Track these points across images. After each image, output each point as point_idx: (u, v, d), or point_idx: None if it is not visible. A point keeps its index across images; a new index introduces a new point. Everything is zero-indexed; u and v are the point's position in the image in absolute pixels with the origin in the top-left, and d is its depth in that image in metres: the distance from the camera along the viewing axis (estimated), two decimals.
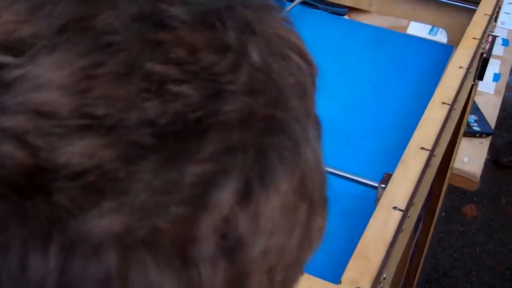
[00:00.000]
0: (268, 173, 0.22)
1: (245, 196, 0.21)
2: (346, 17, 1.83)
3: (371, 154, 0.89)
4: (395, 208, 0.67)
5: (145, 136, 0.19)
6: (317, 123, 0.28)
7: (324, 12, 1.41)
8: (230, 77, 0.21)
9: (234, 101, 0.21)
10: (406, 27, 1.82)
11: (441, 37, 1.65)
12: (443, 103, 0.85)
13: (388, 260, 0.62)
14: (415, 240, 1.63)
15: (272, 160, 0.22)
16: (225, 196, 0.20)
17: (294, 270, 0.25)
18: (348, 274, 0.60)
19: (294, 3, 1.19)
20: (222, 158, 0.20)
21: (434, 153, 0.77)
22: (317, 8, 1.73)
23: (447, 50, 1.16)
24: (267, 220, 0.21)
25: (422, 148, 0.76)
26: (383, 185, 0.71)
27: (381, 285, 0.62)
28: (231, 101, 0.21)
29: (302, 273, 0.28)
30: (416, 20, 1.34)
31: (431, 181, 0.85)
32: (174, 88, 0.20)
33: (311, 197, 0.25)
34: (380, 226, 0.65)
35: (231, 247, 0.20)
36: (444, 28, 1.26)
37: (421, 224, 1.60)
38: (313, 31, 1.19)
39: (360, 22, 1.35)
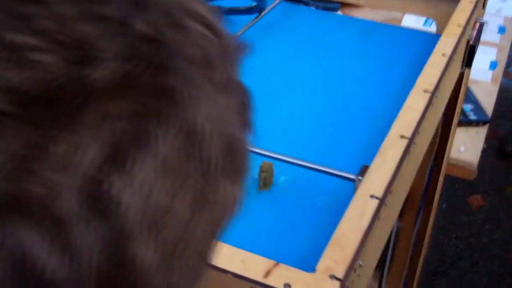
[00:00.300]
0: (144, 136, 0.22)
1: (116, 158, 0.22)
2: (339, 12, 1.83)
3: (359, 148, 0.89)
4: (372, 196, 0.68)
5: (4, 103, 0.20)
6: (237, 93, 0.30)
7: (311, 7, 1.42)
8: (102, 45, 0.22)
9: (104, 67, 0.22)
10: (400, 20, 1.83)
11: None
12: (425, 91, 0.85)
13: (363, 247, 0.62)
14: (415, 231, 1.63)
15: (150, 124, 0.23)
16: (89, 159, 0.21)
17: (195, 235, 0.26)
18: (323, 262, 0.61)
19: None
20: (91, 122, 0.21)
21: (414, 141, 0.77)
22: (307, 4, 1.74)
23: (436, 39, 1.16)
24: (142, 181, 0.22)
25: (401, 137, 0.77)
26: (360, 177, 0.72)
27: (358, 272, 0.63)
28: (101, 67, 0.22)
29: (214, 242, 0.29)
30: (405, 12, 1.34)
31: (414, 170, 0.85)
32: (36, 56, 0.21)
33: (207, 162, 0.25)
34: (357, 215, 0.66)
35: (102, 206, 0.21)
36: (433, 17, 1.26)
37: (420, 214, 1.60)
38: (301, 27, 1.20)
39: (349, 16, 1.35)
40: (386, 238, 0.79)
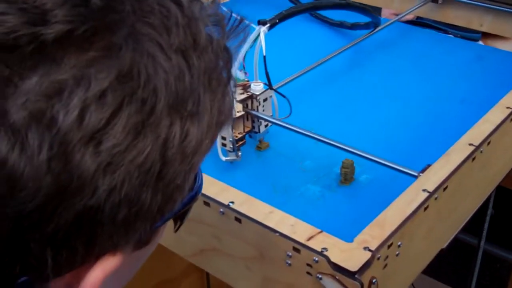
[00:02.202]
0: (80, 75, 0.32)
1: (59, 90, 0.31)
2: (480, 42, 1.84)
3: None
4: (424, 190, 0.75)
5: None
6: (195, 54, 0.37)
7: (432, 30, 1.47)
8: (54, 12, 0.32)
9: (52, 27, 0.31)
10: None
11: None
12: (507, 107, 0.89)
13: (401, 229, 0.69)
14: None
15: (88, 68, 0.32)
16: (38, 88, 0.31)
17: (132, 154, 0.33)
18: (361, 236, 0.69)
19: (391, 20, 1.27)
20: (42, 64, 0.31)
21: (481, 149, 0.82)
22: (446, 32, 1.78)
23: None
24: (75, 107, 0.31)
25: (469, 144, 0.82)
26: (421, 174, 0.79)
27: (395, 251, 0.70)
28: (50, 27, 0.31)
29: (168, 170, 0.36)
30: None
31: (487, 180, 0.90)
32: (3, 18, 0.31)
33: (143, 101, 0.33)
34: (404, 203, 0.73)
35: (46, 121, 0.31)
36: None
37: None
38: (413, 46, 1.27)
39: (466, 40, 1.39)
40: (446, 238, 0.84)
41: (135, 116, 0.33)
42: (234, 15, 0.44)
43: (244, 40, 0.44)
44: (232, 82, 0.42)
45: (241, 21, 0.44)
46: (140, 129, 0.33)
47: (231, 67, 0.41)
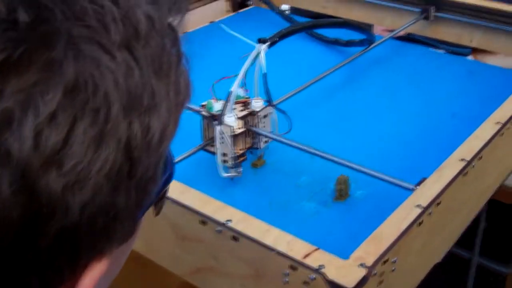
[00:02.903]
0: (27, 101, 0.30)
1: (7, 119, 0.30)
2: (470, 57, 1.87)
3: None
4: (418, 206, 0.76)
5: None
6: (138, 48, 0.35)
7: (424, 46, 1.49)
8: None
9: None
10: None
11: None
12: (496, 123, 0.91)
13: (396, 245, 0.70)
14: None
15: (33, 91, 0.31)
16: None
17: (96, 166, 0.33)
18: (357, 253, 0.70)
19: (385, 37, 1.29)
20: None
21: (473, 164, 0.84)
22: (436, 47, 1.80)
23: None
24: (29, 133, 0.30)
25: (461, 160, 0.83)
26: (417, 187, 0.80)
27: (391, 267, 0.71)
28: None
29: (135, 174, 0.35)
30: None
31: (479, 194, 0.91)
32: None
33: (95, 110, 0.32)
34: (399, 219, 0.74)
35: (1, 154, 0.30)
36: None
37: None
38: (407, 62, 1.29)
39: (459, 56, 1.41)
40: (440, 252, 0.85)
41: (91, 129, 0.32)
42: None
43: (186, 10, 0.42)
44: (183, 58, 0.40)
45: None
46: (100, 140, 0.33)
47: (179, 43, 0.40)
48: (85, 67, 0.32)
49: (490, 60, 1.80)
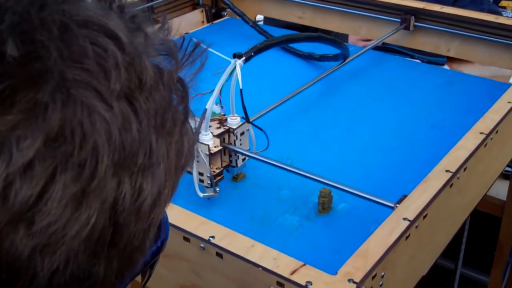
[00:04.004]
0: (4, 144, 0.27)
1: None
2: (445, 66, 1.88)
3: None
4: (404, 219, 0.74)
5: None
6: (138, 98, 0.32)
7: (401, 57, 1.49)
8: None
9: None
10: (508, 77, 1.84)
11: None
12: (480, 133, 0.90)
13: (384, 260, 0.69)
14: (503, 286, 1.61)
15: (7, 137, 0.27)
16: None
17: (75, 228, 0.29)
18: (345, 268, 0.68)
19: (366, 48, 1.29)
20: None
21: (458, 176, 0.83)
22: (412, 57, 1.80)
23: None
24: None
25: (446, 171, 0.82)
26: (398, 205, 0.78)
27: (379, 281, 0.69)
28: None
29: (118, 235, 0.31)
30: (494, 65, 1.37)
31: (463, 206, 0.90)
32: None
33: (80, 165, 0.29)
34: (386, 233, 0.73)
35: None
36: None
37: (508, 270, 1.59)
38: (385, 74, 1.28)
39: (437, 66, 1.41)
40: (426, 265, 0.84)
41: (73, 185, 0.29)
42: (187, 40, 0.39)
43: (202, 67, 0.39)
44: (191, 117, 0.37)
45: (196, 46, 0.39)
46: (81, 198, 0.29)
47: (188, 100, 0.37)
48: (75, 114, 0.29)
49: (466, 69, 1.81)
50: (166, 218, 0.39)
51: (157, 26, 0.36)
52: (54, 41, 0.29)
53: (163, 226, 0.39)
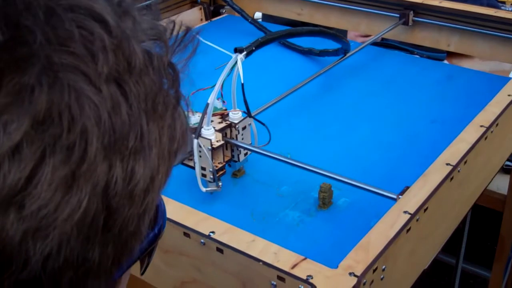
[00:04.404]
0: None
1: None
2: (445, 61, 1.87)
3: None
4: (405, 212, 0.74)
5: None
6: (128, 81, 0.32)
7: (400, 52, 1.49)
8: None
9: None
10: (508, 72, 1.83)
11: None
12: (480, 126, 0.90)
13: (385, 253, 0.69)
14: (504, 283, 1.61)
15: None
16: None
17: (65, 211, 0.29)
18: (346, 261, 0.68)
19: (365, 43, 1.28)
20: None
21: (459, 169, 0.82)
22: (412, 53, 1.80)
23: None
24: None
25: (447, 164, 0.82)
26: (401, 196, 0.78)
27: (380, 275, 0.69)
28: None
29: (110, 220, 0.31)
30: (494, 59, 1.37)
31: (464, 199, 0.90)
32: None
33: (69, 148, 0.29)
34: (387, 226, 0.72)
35: None
36: None
37: (510, 266, 1.58)
38: (386, 69, 1.28)
39: (436, 61, 1.41)
40: (427, 259, 0.84)
41: (62, 168, 0.28)
42: (178, 25, 0.38)
43: (193, 52, 0.38)
44: (183, 101, 0.37)
45: (187, 31, 0.38)
46: (71, 182, 0.28)
47: (179, 84, 0.36)
48: (62, 97, 0.28)
49: (466, 64, 1.81)
50: (163, 205, 0.39)
51: (146, 11, 0.36)
52: (39, 25, 0.29)
53: (160, 213, 0.38)
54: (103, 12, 0.31)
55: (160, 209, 0.38)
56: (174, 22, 0.38)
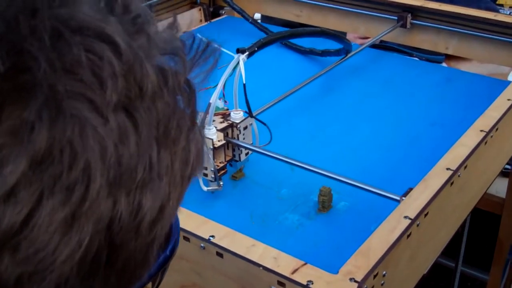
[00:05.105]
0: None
1: None
2: (444, 64, 1.87)
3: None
4: (405, 217, 0.74)
5: None
6: (137, 110, 0.30)
7: (399, 54, 1.49)
8: None
9: None
10: (506, 75, 1.83)
11: None
12: (481, 130, 0.90)
13: (386, 258, 0.68)
14: (502, 285, 1.61)
15: None
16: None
17: (63, 254, 0.27)
18: (346, 267, 0.68)
19: (363, 46, 1.28)
20: None
21: (459, 174, 0.82)
22: (411, 55, 1.80)
23: None
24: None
25: (447, 169, 0.82)
26: (404, 198, 0.78)
27: (380, 280, 0.69)
28: None
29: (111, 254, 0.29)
30: (492, 62, 1.37)
31: (464, 203, 0.90)
32: None
33: (69, 186, 0.27)
34: (387, 231, 0.72)
35: None
36: None
37: (508, 268, 1.59)
38: (385, 71, 1.28)
39: (435, 64, 1.41)
40: (427, 264, 0.84)
41: (62, 210, 0.27)
42: (198, 38, 0.36)
43: (215, 64, 0.36)
44: (198, 120, 0.35)
45: (208, 44, 0.36)
46: (71, 221, 0.27)
47: (195, 102, 0.34)
48: (64, 133, 0.27)
49: (464, 67, 1.81)
50: (177, 222, 0.38)
51: (165, 23, 0.34)
52: (44, 51, 0.27)
53: (174, 231, 0.37)
54: (114, 33, 0.29)
55: (173, 228, 0.37)
56: (193, 35, 0.36)
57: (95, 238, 0.28)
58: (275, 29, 1.37)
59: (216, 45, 0.36)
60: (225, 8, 1.56)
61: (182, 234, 0.73)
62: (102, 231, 0.28)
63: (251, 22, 1.42)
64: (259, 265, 0.68)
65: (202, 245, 0.72)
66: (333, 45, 1.24)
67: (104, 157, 0.27)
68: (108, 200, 0.28)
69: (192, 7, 1.58)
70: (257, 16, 1.94)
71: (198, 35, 0.36)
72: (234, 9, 1.47)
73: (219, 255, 0.71)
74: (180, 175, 0.32)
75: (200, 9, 1.58)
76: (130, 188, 0.29)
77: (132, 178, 0.29)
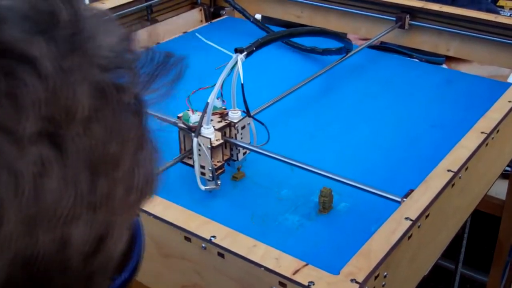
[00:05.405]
0: None
1: None
2: (444, 66, 1.87)
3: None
4: (406, 218, 0.74)
5: None
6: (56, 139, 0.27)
7: (399, 55, 1.49)
8: None
9: None
10: (507, 76, 1.83)
11: None
12: (481, 132, 0.90)
13: (387, 259, 0.68)
14: (502, 287, 1.61)
15: None
16: None
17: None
18: (347, 268, 0.68)
19: (361, 46, 1.28)
20: None
21: (460, 175, 0.82)
22: (411, 57, 1.80)
23: None
24: None
25: (448, 170, 0.82)
26: (405, 199, 0.78)
27: (381, 282, 0.69)
28: None
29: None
30: (493, 64, 1.37)
31: (465, 205, 0.90)
32: None
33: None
34: (388, 232, 0.72)
35: None
36: None
37: (507, 270, 1.59)
38: (385, 72, 1.28)
39: (435, 65, 1.41)
40: (427, 265, 0.84)
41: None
42: (157, 51, 0.33)
43: (179, 76, 0.33)
44: (148, 139, 0.31)
45: (168, 55, 0.34)
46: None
47: (145, 119, 0.31)
48: None
49: (464, 69, 1.81)
50: (138, 245, 0.35)
51: (121, 34, 0.31)
52: None
53: (134, 255, 0.35)
54: (40, 55, 0.27)
55: (134, 249, 0.34)
56: (152, 48, 0.33)
57: (14, 274, 0.26)
58: (277, 29, 1.37)
59: (179, 57, 0.34)
60: (225, 8, 1.56)
61: (183, 234, 0.73)
62: (20, 267, 0.26)
63: (252, 22, 1.42)
64: (260, 266, 0.68)
65: (203, 245, 0.72)
66: (334, 44, 1.25)
67: (17, 195, 0.25)
68: (26, 237, 0.26)
69: (192, 7, 1.58)
70: (258, 17, 1.94)
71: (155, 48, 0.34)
72: (235, 8, 1.47)
73: (221, 255, 0.71)
74: (123, 202, 0.30)
75: (200, 10, 1.58)
76: (51, 223, 0.27)
77: (54, 213, 0.27)
